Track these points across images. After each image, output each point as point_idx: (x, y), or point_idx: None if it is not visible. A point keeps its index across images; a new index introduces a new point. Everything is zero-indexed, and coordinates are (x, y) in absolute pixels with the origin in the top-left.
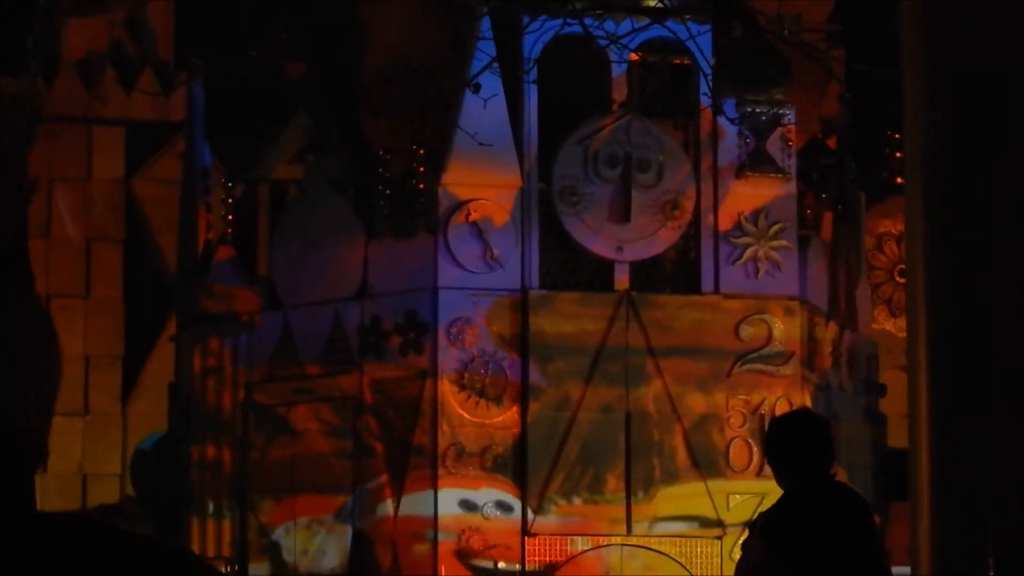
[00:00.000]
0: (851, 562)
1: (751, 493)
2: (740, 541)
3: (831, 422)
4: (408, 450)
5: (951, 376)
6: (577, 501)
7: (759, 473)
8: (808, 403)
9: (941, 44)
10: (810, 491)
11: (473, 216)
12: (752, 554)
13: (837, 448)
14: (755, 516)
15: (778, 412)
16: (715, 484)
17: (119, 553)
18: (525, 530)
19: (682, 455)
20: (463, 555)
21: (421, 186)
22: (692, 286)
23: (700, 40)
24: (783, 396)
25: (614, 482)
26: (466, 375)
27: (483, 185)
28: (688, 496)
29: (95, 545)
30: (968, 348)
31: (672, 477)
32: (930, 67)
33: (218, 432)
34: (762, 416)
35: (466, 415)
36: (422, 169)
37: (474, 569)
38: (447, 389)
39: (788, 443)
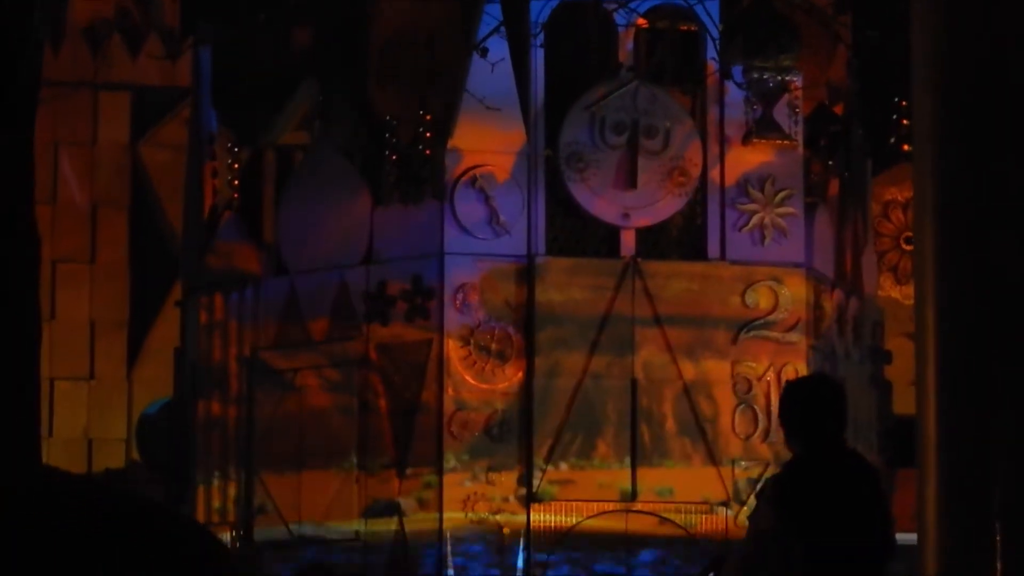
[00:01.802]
0: (859, 528)
1: (756, 459)
2: (746, 507)
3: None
4: (413, 414)
5: (959, 343)
6: (582, 467)
7: (764, 439)
8: (812, 370)
9: (952, 9)
10: (819, 456)
11: (480, 182)
12: (761, 520)
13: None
14: (763, 483)
15: (783, 379)
16: (720, 450)
17: (127, 519)
18: (530, 495)
19: (687, 421)
20: (469, 519)
21: (428, 152)
22: (698, 252)
23: (708, 5)
24: (788, 363)
25: (619, 448)
26: (472, 340)
27: (490, 151)
28: (693, 462)
29: (104, 510)
30: (976, 315)
31: (677, 443)
32: (940, 33)
33: (224, 397)
34: (767, 383)
35: (471, 380)
36: (429, 135)
37: (480, 533)
38: (453, 354)
39: (800, 407)
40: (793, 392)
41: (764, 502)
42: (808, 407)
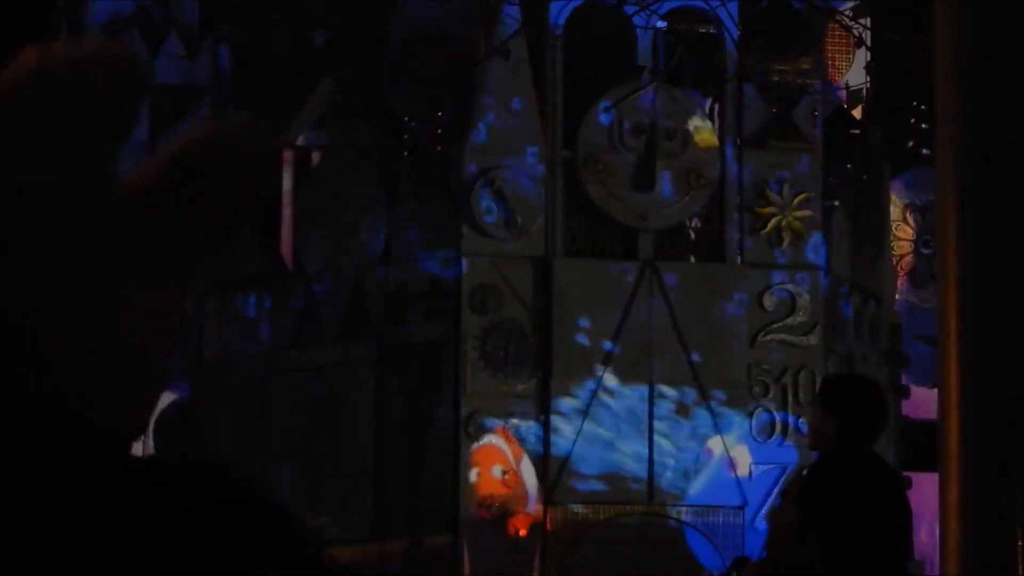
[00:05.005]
0: (881, 528)
1: (774, 463)
2: (764, 511)
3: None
4: (430, 415)
5: (981, 347)
6: (599, 469)
7: (782, 443)
8: (829, 372)
9: (973, 11)
10: (846, 456)
11: (497, 183)
12: (785, 520)
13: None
14: (788, 482)
15: (801, 382)
16: (738, 453)
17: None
18: (547, 497)
19: (705, 424)
20: (485, 522)
21: (445, 153)
22: (716, 255)
23: (728, 8)
24: (806, 366)
25: (636, 449)
26: (489, 341)
27: (508, 152)
28: (710, 464)
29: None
30: (998, 318)
31: (694, 445)
32: (962, 36)
33: (240, 396)
34: (784, 386)
35: (488, 381)
36: (447, 136)
37: (497, 535)
38: (469, 355)
39: (837, 407)
40: (835, 389)
41: (789, 501)
42: (849, 407)
